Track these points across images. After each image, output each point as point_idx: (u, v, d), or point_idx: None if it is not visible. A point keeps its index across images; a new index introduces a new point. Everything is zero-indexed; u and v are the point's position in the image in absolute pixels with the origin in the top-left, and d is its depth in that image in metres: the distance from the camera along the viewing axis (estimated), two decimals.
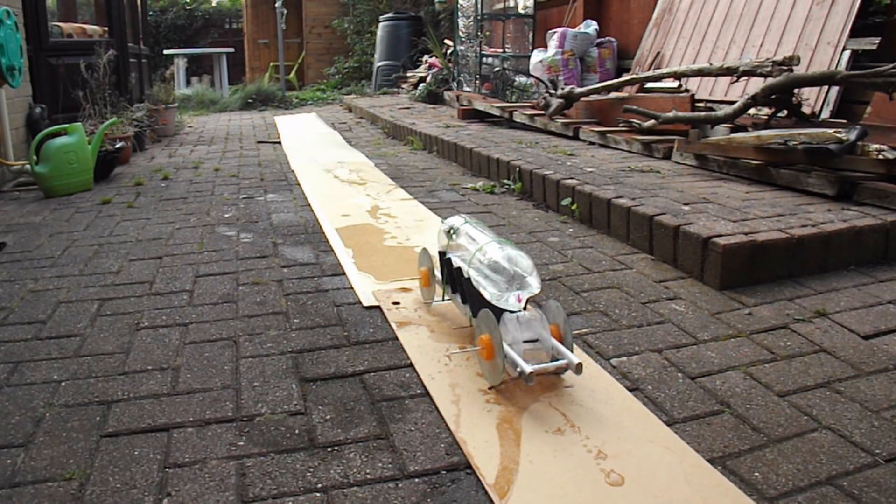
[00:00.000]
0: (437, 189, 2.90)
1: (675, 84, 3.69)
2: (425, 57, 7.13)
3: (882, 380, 1.22)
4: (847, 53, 3.34)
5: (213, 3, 12.27)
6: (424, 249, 1.59)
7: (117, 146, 3.49)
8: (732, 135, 2.59)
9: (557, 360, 1.18)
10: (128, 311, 1.59)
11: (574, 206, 2.34)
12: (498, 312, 1.21)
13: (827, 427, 1.08)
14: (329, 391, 1.20)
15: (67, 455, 1.02)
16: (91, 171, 3.11)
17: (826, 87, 3.31)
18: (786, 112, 2.95)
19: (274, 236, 2.20)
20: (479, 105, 4.58)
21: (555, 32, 5.17)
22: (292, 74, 10.07)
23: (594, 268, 1.84)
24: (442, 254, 1.48)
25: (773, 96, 2.78)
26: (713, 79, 3.86)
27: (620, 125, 3.27)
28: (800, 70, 2.90)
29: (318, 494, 0.93)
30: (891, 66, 2.36)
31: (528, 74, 5.11)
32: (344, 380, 1.24)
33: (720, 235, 1.71)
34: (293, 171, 3.41)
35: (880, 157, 2.08)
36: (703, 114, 2.89)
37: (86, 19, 5.51)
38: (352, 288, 1.71)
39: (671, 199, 2.11)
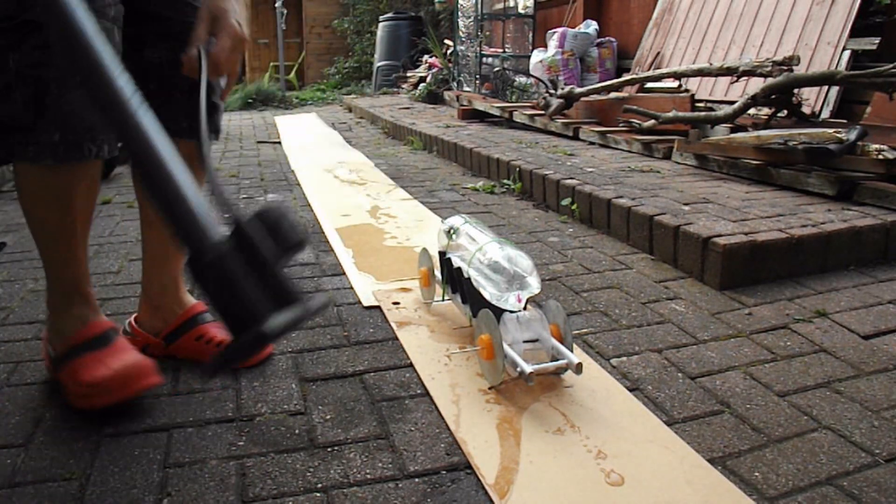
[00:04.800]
0: (437, 189, 2.90)
1: (675, 84, 3.69)
2: (425, 57, 7.13)
3: (882, 380, 1.22)
4: (847, 53, 3.35)
5: None
6: (424, 249, 1.59)
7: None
8: (732, 135, 2.60)
9: (557, 360, 1.18)
10: (128, 312, 1.59)
11: (574, 206, 2.34)
12: (498, 312, 1.21)
13: (827, 427, 1.08)
14: (329, 391, 1.20)
15: (67, 455, 1.02)
16: None
17: (826, 87, 3.31)
18: (786, 112, 2.95)
19: None
20: (479, 105, 4.58)
21: (555, 32, 5.17)
22: (292, 74, 10.07)
23: (594, 268, 1.84)
24: (442, 254, 1.48)
25: (773, 96, 2.78)
26: (713, 79, 3.87)
27: (620, 125, 3.27)
28: (800, 70, 2.91)
29: (318, 494, 0.93)
30: (891, 66, 2.36)
31: (528, 74, 5.11)
32: (344, 380, 1.24)
33: (720, 235, 1.71)
34: (293, 171, 3.41)
35: (880, 157, 2.08)
36: (703, 114, 2.90)
37: None
38: (352, 288, 1.71)
39: (671, 199, 2.11)
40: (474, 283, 1.27)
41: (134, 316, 1.38)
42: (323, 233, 2.23)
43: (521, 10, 5.76)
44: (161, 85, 1.15)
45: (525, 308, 1.23)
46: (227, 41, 1.04)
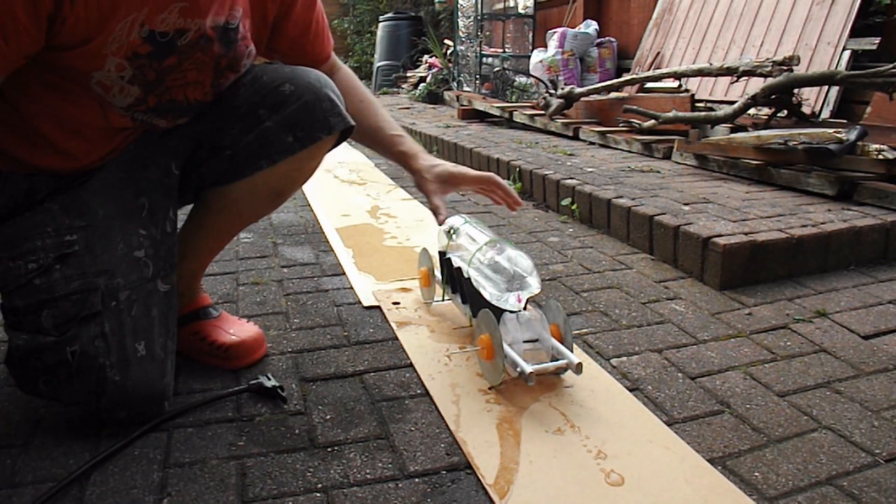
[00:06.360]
0: None
1: (675, 84, 3.69)
2: (425, 57, 7.12)
3: (882, 380, 1.22)
4: (847, 53, 3.35)
5: None
6: (424, 249, 1.59)
7: None
8: (732, 135, 2.60)
9: (557, 360, 1.18)
10: None
11: (574, 206, 2.34)
12: (498, 312, 1.21)
13: (827, 427, 1.08)
14: (329, 391, 1.20)
15: (67, 455, 1.02)
16: None
17: (826, 87, 3.31)
18: (786, 112, 2.95)
19: (274, 236, 2.20)
20: (479, 105, 4.58)
21: (555, 32, 5.17)
22: None
23: (594, 268, 1.84)
24: (442, 254, 1.48)
25: (773, 96, 2.78)
26: (713, 79, 3.87)
27: (620, 125, 3.27)
28: (800, 70, 2.90)
29: (318, 494, 0.93)
30: (891, 66, 2.36)
31: (528, 74, 5.11)
32: (344, 380, 1.24)
33: (720, 235, 1.71)
34: None
35: (880, 157, 2.08)
36: (703, 114, 2.89)
37: None
38: (352, 288, 1.71)
39: (671, 199, 2.11)
40: (474, 283, 1.27)
41: None
42: (323, 233, 2.23)
43: (521, 10, 5.75)
44: (259, 133, 1.17)
45: (525, 308, 1.23)
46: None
